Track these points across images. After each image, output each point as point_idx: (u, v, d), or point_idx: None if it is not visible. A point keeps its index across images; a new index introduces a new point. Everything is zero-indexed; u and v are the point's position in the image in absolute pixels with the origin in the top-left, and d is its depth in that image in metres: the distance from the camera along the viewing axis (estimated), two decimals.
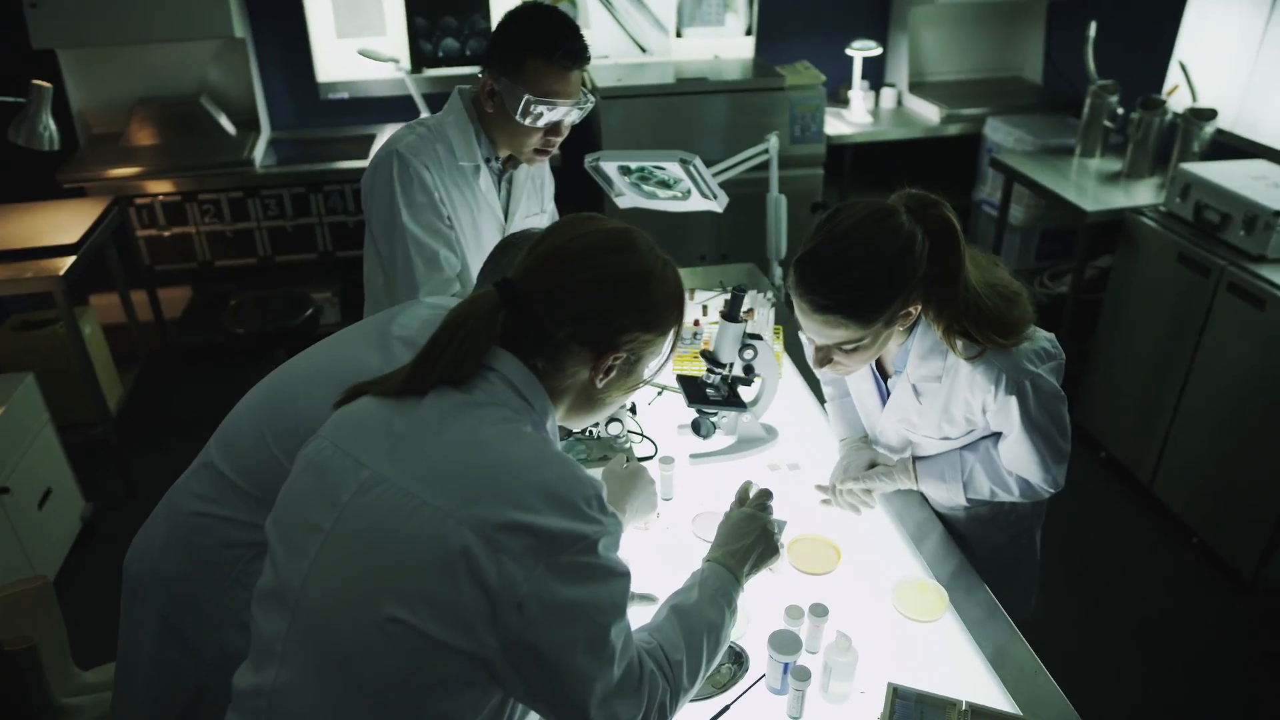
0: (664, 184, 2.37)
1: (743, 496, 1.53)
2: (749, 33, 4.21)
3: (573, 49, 1.85)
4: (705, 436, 1.98)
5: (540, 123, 1.89)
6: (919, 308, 1.50)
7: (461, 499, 0.98)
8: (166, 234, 3.73)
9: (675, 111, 3.87)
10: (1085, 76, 3.70)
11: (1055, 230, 3.97)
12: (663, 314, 1.18)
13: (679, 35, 4.19)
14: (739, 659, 1.49)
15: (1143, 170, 3.53)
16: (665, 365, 1.27)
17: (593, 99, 1.96)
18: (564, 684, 1.01)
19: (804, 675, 1.38)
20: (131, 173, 3.59)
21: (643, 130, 3.88)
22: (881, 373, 1.74)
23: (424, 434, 1.05)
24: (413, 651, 0.96)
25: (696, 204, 2.40)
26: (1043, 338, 1.57)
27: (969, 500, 1.72)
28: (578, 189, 3.21)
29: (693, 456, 1.98)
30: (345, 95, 4.09)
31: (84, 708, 2.45)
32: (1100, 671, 2.65)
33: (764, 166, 2.82)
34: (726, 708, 1.42)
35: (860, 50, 4.10)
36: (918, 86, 4.46)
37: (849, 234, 1.44)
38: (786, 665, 1.41)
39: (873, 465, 1.80)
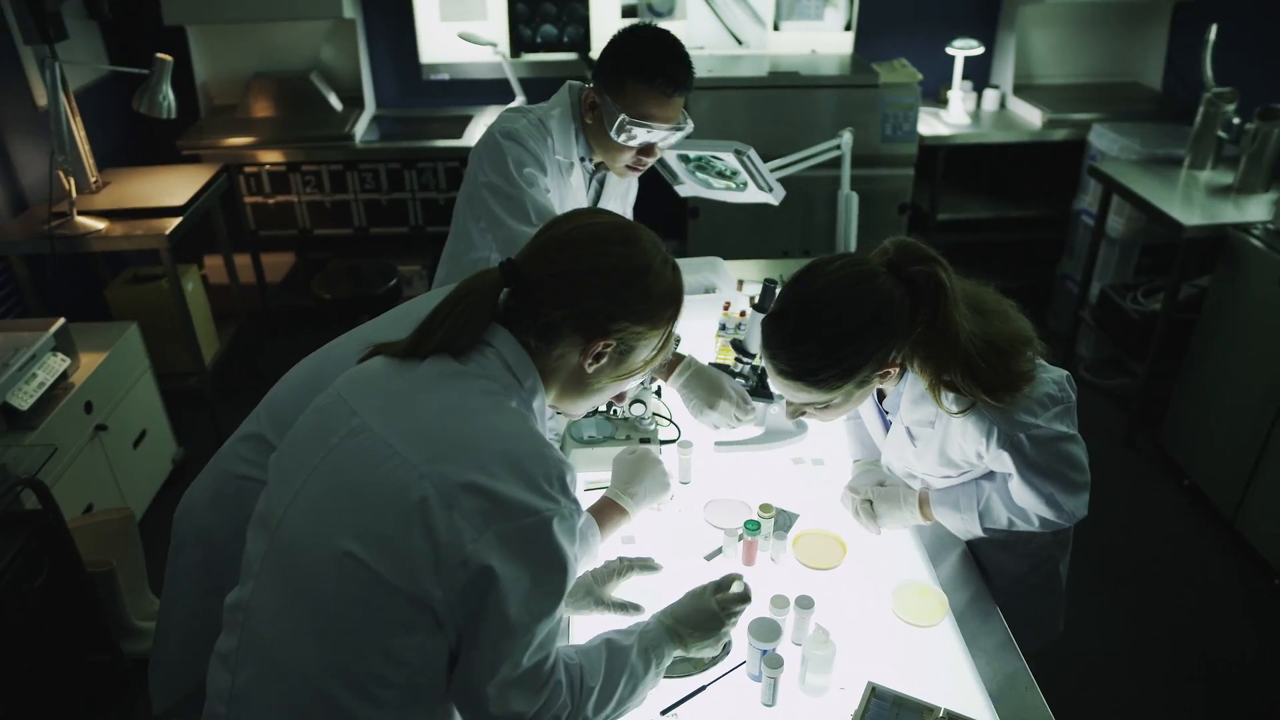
0: (722, 174, 2.38)
1: (722, 584, 1.44)
2: (848, 28, 4.15)
3: (675, 76, 1.85)
4: (732, 426, 1.99)
5: (633, 142, 1.91)
6: (898, 367, 1.46)
7: (430, 456, 1.05)
8: (271, 201, 3.96)
9: (765, 105, 3.85)
10: (1203, 83, 3.50)
11: (1158, 245, 3.76)
12: (656, 308, 1.22)
13: (776, 29, 4.16)
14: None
15: (1256, 185, 3.31)
16: (657, 360, 1.29)
17: (691, 124, 1.97)
18: (478, 652, 1.07)
19: (777, 663, 1.38)
20: (243, 142, 3.82)
21: (732, 123, 3.87)
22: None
23: (415, 394, 1.13)
24: (363, 587, 1.03)
25: (753, 195, 2.40)
26: (1049, 381, 1.49)
27: (986, 530, 1.66)
28: (655, 178, 3.25)
29: (718, 444, 1.99)
30: (446, 77, 4.24)
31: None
32: (1162, 710, 2.53)
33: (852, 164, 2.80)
34: (703, 688, 1.44)
35: (961, 49, 3.99)
36: (1023, 89, 4.30)
37: (817, 298, 1.41)
38: (765, 652, 1.42)
39: (881, 485, 1.76)
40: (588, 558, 1.64)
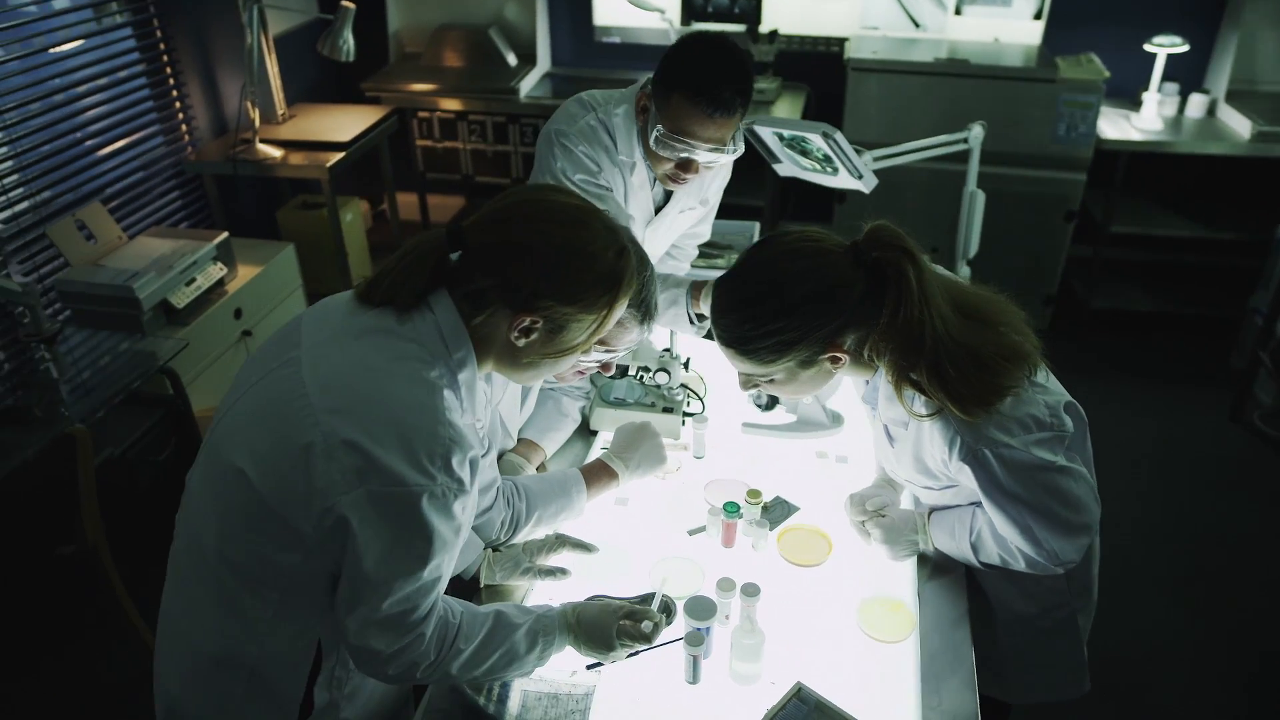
0: (813, 156, 2.32)
1: (637, 614, 1.41)
2: (1038, 16, 3.85)
3: (720, 97, 1.71)
4: (763, 409, 1.97)
5: (668, 154, 1.81)
6: (851, 355, 1.38)
7: (330, 407, 1.13)
8: (439, 146, 4.22)
9: (929, 92, 3.67)
10: None
11: None
12: (588, 291, 1.21)
13: (958, 13, 3.93)
14: (668, 612, 1.51)
15: None
16: (592, 342, 1.28)
17: (740, 148, 1.83)
18: (342, 588, 1.15)
19: (696, 641, 1.39)
20: (419, 88, 4.09)
21: (891, 108, 3.73)
22: None
23: (346, 342, 1.19)
24: (249, 502, 1.14)
25: (845, 181, 2.33)
26: (1039, 403, 1.36)
27: (982, 564, 1.56)
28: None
29: (745, 425, 1.98)
30: (617, 40, 4.33)
31: None
32: None
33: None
34: (636, 653, 1.46)
35: (1163, 46, 3.60)
36: (1240, 95, 3.82)
37: (761, 267, 1.37)
38: (698, 629, 1.42)
39: (883, 507, 1.67)
40: (569, 512, 1.70)
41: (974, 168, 2.69)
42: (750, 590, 1.46)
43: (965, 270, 2.84)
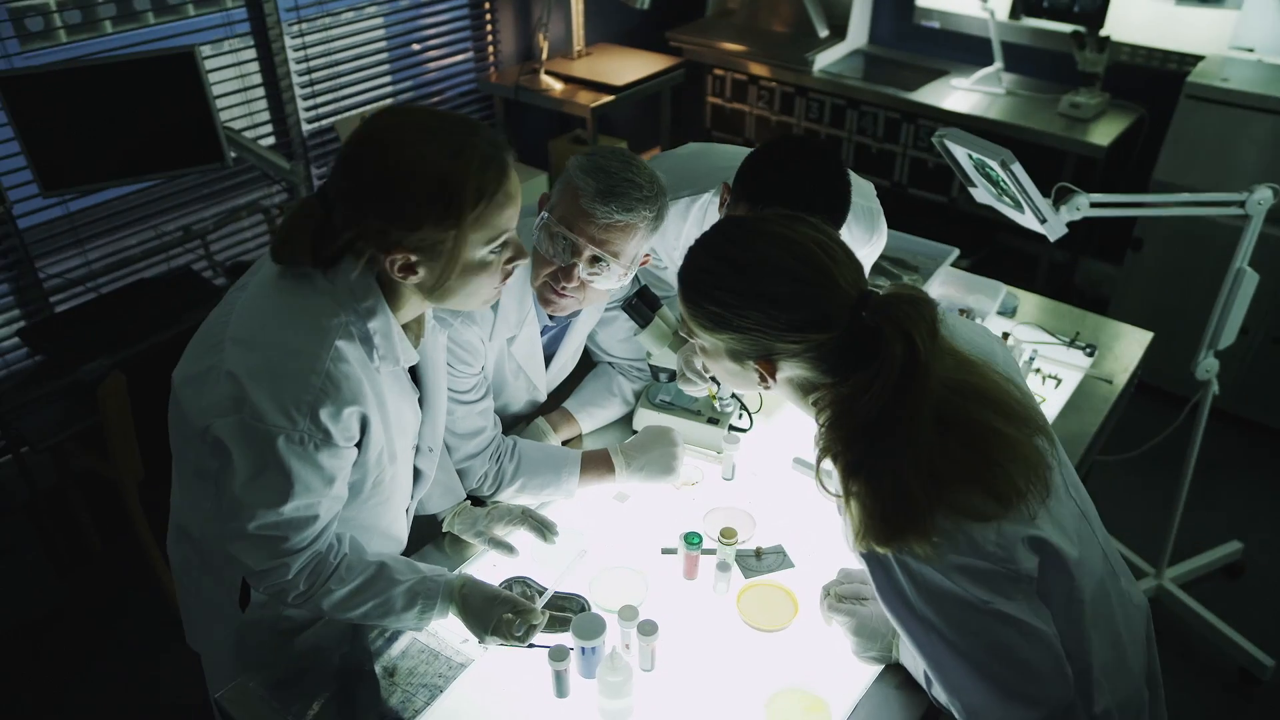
0: (998, 185, 1.99)
1: (521, 608, 1.37)
2: None
3: None
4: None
5: None
6: (774, 382, 1.18)
7: (236, 336, 1.20)
8: (727, 106, 4.19)
9: (1272, 132, 2.96)
10: None
11: None
12: (422, 208, 1.11)
13: None
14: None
15: None
16: (483, 248, 1.18)
17: None
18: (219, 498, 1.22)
19: (559, 655, 1.33)
20: (719, 45, 4.06)
21: (1226, 150, 3.08)
22: None
23: (277, 280, 1.22)
24: (179, 421, 1.27)
25: (1029, 221, 1.98)
26: (988, 527, 1.08)
27: (934, 699, 1.30)
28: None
29: (795, 461, 1.80)
30: (936, 25, 3.97)
31: None
32: None
33: None
34: (530, 645, 1.42)
35: None
36: None
37: (767, 239, 1.15)
38: (584, 650, 1.36)
39: (858, 596, 1.44)
40: (555, 490, 1.68)
41: (1250, 240, 2.14)
42: (647, 629, 1.36)
43: (1211, 362, 2.29)
